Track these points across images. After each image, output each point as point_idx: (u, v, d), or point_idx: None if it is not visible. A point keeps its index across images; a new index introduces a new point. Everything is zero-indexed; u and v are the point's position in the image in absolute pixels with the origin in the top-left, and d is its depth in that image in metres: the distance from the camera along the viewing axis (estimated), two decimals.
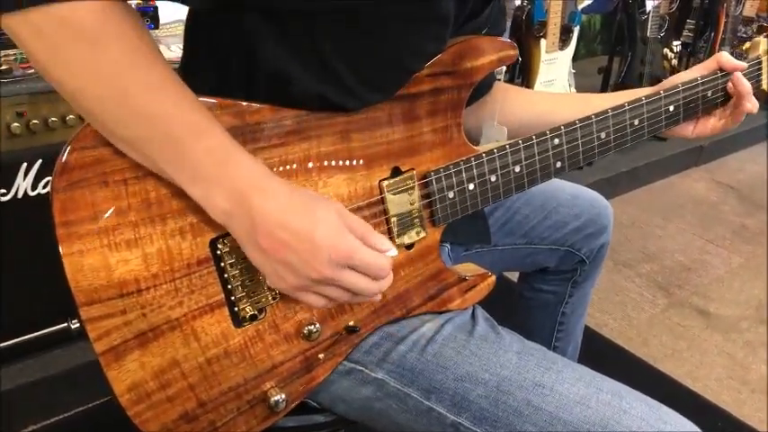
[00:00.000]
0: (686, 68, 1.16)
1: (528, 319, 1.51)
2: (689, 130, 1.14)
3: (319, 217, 0.74)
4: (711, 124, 1.13)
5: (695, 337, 2.32)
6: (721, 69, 1.08)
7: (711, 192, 3.43)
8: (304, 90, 0.80)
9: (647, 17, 3.24)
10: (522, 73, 2.90)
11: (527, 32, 2.79)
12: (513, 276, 1.60)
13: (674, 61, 3.54)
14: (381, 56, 0.82)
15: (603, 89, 3.37)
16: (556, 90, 2.93)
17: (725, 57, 1.08)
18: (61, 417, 1.73)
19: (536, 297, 1.47)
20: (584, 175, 2.96)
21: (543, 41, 2.79)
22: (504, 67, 2.98)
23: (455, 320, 0.94)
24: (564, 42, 2.88)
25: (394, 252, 0.80)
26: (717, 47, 3.70)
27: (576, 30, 2.91)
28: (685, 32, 3.74)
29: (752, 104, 1.08)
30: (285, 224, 0.72)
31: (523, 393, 0.85)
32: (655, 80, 3.16)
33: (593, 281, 1.46)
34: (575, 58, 3.04)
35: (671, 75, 1.17)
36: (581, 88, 3.12)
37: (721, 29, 3.69)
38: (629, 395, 0.87)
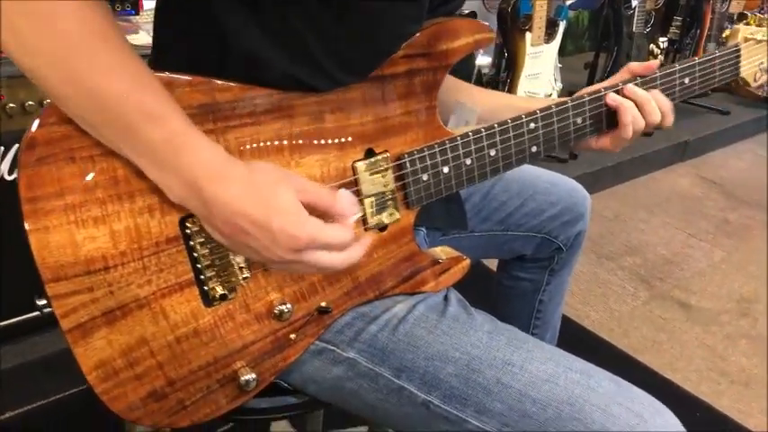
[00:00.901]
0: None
1: (506, 307, 1.51)
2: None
3: (276, 205, 0.73)
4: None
5: (676, 329, 2.33)
6: (639, 77, 1.04)
7: (695, 187, 3.46)
8: (278, 72, 0.80)
9: (633, 12, 3.26)
10: (508, 66, 2.91)
11: (513, 25, 2.79)
12: (492, 264, 1.60)
13: (660, 57, 3.56)
14: (358, 37, 0.82)
15: (590, 84, 3.38)
16: (541, 84, 2.94)
17: (634, 65, 1.05)
18: (38, 404, 1.72)
19: (514, 285, 1.48)
20: (568, 169, 2.97)
21: (528, 35, 2.80)
22: (491, 60, 2.99)
23: (428, 301, 0.94)
24: (549, 36, 2.89)
25: (358, 215, 0.81)
26: (702, 43, 3.72)
27: (562, 24, 2.92)
28: (672, 29, 3.76)
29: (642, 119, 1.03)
30: (241, 212, 0.72)
31: (493, 371, 0.86)
32: None
33: (570, 268, 1.47)
34: (563, 54, 3.05)
35: None
36: (567, 83, 3.13)
37: (707, 26, 3.71)
38: (598, 374, 0.88)
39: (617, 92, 1.01)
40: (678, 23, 3.73)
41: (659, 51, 3.56)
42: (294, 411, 0.97)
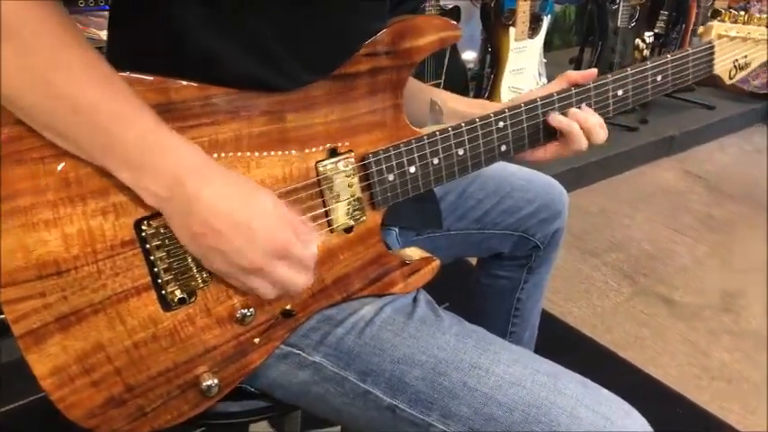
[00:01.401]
0: None
1: (484, 306, 1.50)
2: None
3: (257, 206, 0.75)
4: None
5: (659, 324, 2.33)
6: (576, 86, 1.01)
7: (680, 181, 3.45)
8: (237, 72, 0.78)
9: (618, 7, 3.25)
10: (492, 61, 2.90)
11: (496, 20, 2.78)
12: (474, 260, 1.59)
13: (646, 52, 3.55)
14: (320, 36, 0.80)
15: None
16: (525, 80, 2.93)
17: (572, 73, 1.03)
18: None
19: (492, 283, 1.46)
20: (553, 165, 2.96)
21: (512, 30, 2.78)
22: (475, 54, 2.97)
23: (395, 303, 0.93)
24: (533, 31, 2.88)
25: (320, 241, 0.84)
26: (687, 38, 3.71)
27: (547, 19, 2.91)
28: (658, 24, 3.75)
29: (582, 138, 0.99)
30: (221, 211, 0.72)
31: (459, 375, 0.85)
32: None
33: (549, 266, 1.46)
34: (550, 49, 3.05)
35: None
36: (553, 78, 3.11)
37: (692, 20, 3.70)
38: (566, 376, 0.87)
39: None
40: (664, 18, 3.72)
41: (645, 46, 3.54)
42: (264, 415, 0.96)
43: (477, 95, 2.80)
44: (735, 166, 3.69)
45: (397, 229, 1.14)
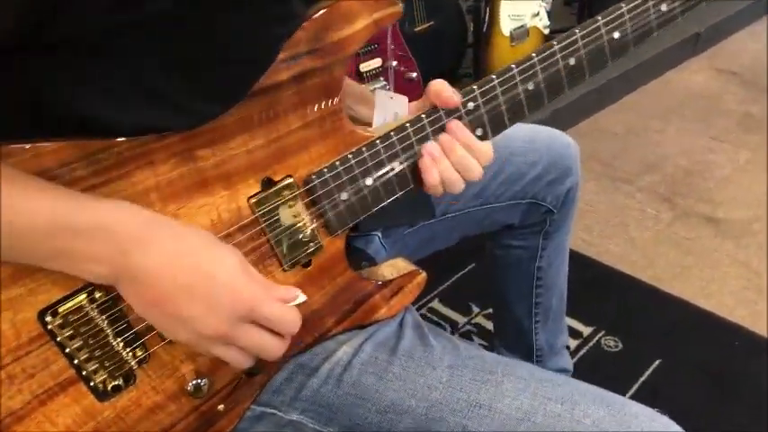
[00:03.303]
0: None
1: (503, 279, 1.38)
2: None
3: (215, 264, 0.64)
4: None
5: (704, 248, 2.16)
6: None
7: (712, 82, 3.20)
8: (118, 127, 0.64)
9: None
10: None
11: None
12: None
13: None
14: (214, 61, 0.65)
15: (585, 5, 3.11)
16: (527, 5, 2.69)
17: (435, 87, 0.80)
18: None
19: (507, 254, 1.33)
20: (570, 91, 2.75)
21: None
22: None
23: (377, 337, 0.80)
24: None
25: (302, 298, 0.69)
26: None
27: None
28: None
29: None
30: (173, 277, 0.62)
31: (457, 418, 0.73)
32: None
33: (567, 228, 1.32)
34: None
35: None
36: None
37: None
38: (585, 398, 0.74)
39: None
40: None
41: None
42: None
43: (477, 29, 2.58)
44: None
45: (379, 233, 1.00)
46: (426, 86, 0.79)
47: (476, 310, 1.85)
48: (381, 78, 2.00)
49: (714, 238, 2.20)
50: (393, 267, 0.86)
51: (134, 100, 0.62)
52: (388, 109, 0.81)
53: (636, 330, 1.81)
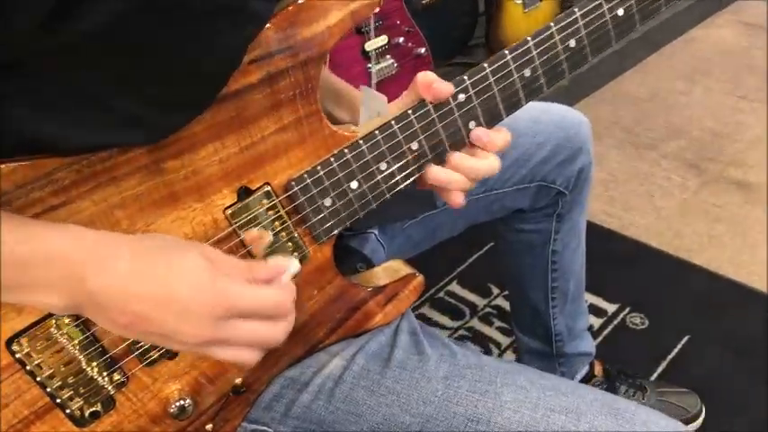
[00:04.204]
0: None
1: (516, 265, 1.33)
2: None
3: (177, 270, 0.58)
4: None
5: (734, 216, 2.07)
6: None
7: (739, 37, 3.06)
8: (73, 146, 0.59)
9: None
10: None
11: None
12: None
13: None
14: (168, 72, 0.60)
15: None
16: None
17: (423, 79, 0.73)
18: None
19: (519, 239, 1.28)
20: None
21: None
22: None
23: (369, 347, 0.76)
24: None
25: (295, 266, 0.63)
26: None
27: None
28: None
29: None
30: (135, 295, 0.57)
31: None
32: None
33: (581, 208, 1.26)
34: None
35: None
36: None
37: None
38: (591, 410, 0.69)
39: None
40: None
41: None
42: None
43: None
44: None
45: (375, 231, 0.95)
46: (413, 80, 0.73)
47: (495, 291, 1.80)
48: (389, 57, 1.92)
49: (745, 204, 2.11)
50: (388, 271, 0.82)
51: (86, 116, 0.58)
52: (373, 107, 0.76)
53: (663, 306, 1.75)
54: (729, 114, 2.55)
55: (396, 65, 1.93)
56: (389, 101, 0.79)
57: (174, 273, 0.58)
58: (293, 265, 0.63)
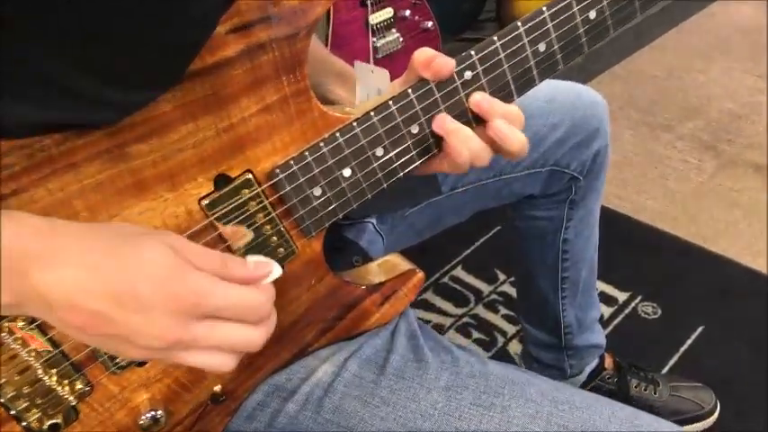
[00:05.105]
0: None
1: (525, 253, 1.27)
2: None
3: (137, 262, 0.49)
4: None
5: (752, 201, 1.99)
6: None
7: (759, 12, 2.95)
8: (34, 125, 0.52)
9: None
10: None
11: None
12: None
13: None
14: (126, 42, 0.51)
15: None
16: None
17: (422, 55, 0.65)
18: None
19: (529, 226, 1.21)
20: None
21: None
22: None
23: (363, 352, 0.69)
24: None
25: (278, 271, 0.55)
26: None
27: None
28: None
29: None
30: (89, 291, 0.48)
31: None
32: None
33: (596, 194, 1.18)
34: None
35: None
36: None
37: None
38: (609, 427, 0.62)
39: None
40: None
41: None
42: None
43: None
44: None
45: (374, 220, 0.87)
46: (411, 58, 0.65)
47: (502, 277, 1.73)
48: (394, 30, 1.84)
49: (763, 188, 2.04)
50: (385, 266, 0.74)
51: (30, 93, 0.50)
52: (371, 84, 0.68)
53: (676, 294, 1.68)
54: (748, 94, 2.46)
55: (401, 39, 1.85)
56: (393, 79, 0.71)
57: (134, 264, 0.49)
58: (276, 270, 0.55)
